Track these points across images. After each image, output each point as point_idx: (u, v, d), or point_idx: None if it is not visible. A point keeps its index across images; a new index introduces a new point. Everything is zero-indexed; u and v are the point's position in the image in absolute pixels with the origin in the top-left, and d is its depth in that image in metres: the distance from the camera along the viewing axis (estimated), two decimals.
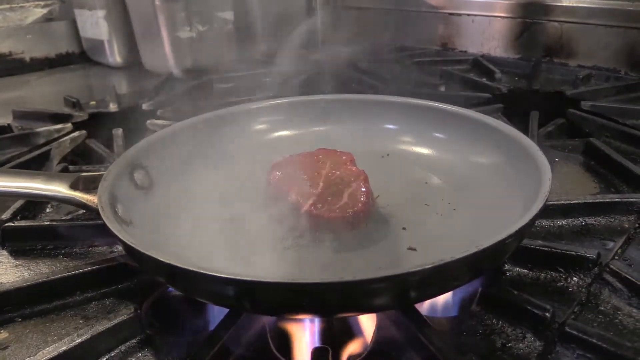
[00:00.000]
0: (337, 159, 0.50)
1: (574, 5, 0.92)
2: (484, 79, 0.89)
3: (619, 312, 0.37)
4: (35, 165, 0.65)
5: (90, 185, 0.45)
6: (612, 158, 0.57)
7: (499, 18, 1.03)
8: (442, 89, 0.86)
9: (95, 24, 1.14)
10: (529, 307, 0.35)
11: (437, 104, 0.58)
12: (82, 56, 1.25)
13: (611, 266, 0.40)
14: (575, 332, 0.33)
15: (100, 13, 1.11)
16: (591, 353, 0.32)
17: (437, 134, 0.57)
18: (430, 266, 0.29)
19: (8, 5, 1.17)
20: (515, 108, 0.75)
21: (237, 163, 0.55)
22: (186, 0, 0.99)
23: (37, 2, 1.21)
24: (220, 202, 0.49)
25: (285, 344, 0.35)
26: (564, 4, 0.94)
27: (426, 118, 0.58)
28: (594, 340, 0.32)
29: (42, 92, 1.07)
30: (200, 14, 1.02)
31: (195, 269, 0.29)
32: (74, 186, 0.44)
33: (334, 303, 0.30)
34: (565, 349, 0.33)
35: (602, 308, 0.37)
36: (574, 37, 0.94)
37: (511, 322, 0.36)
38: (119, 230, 0.35)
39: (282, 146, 0.57)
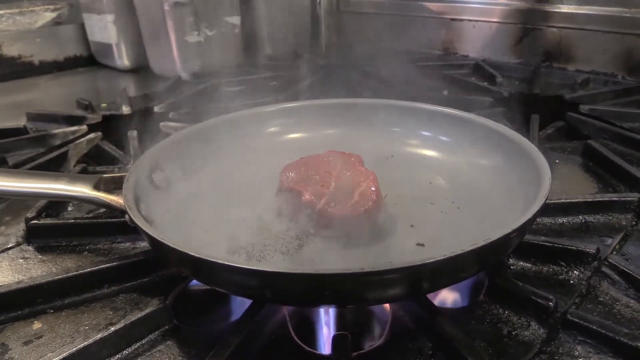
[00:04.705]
0: (346, 160, 0.52)
1: (573, 11, 0.95)
2: (486, 83, 0.92)
3: (617, 303, 0.39)
4: (53, 166, 0.67)
5: (110, 186, 0.47)
6: (610, 159, 0.60)
7: (500, 24, 1.05)
8: (445, 92, 0.88)
9: (103, 28, 1.16)
10: (533, 297, 0.37)
11: (442, 109, 0.60)
12: (90, 59, 1.27)
13: (610, 260, 0.42)
14: (576, 320, 0.36)
15: (109, 17, 1.13)
16: (592, 339, 0.35)
17: (442, 137, 0.60)
18: (442, 257, 0.31)
19: (18, 10, 1.19)
20: (516, 111, 0.78)
21: (250, 164, 0.57)
22: (194, 5, 1.02)
23: (46, 6, 1.23)
24: (235, 202, 0.51)
25: (305, 331, 0.37)
26: (563, 11, 0.96)
27: (431, 122, 0.60)
28: (595, 327, 0.35)
29: (51, 94, 1.09)
30: (208, 19, 1.05)
31: (227, 263, 0.32)
32: (96, 187, 0.46)
33: (353, 293, 0.33)
34: (567, 335, 0.36)
35: (602, 299, 0.40)
36: (572, 42, 0.97)
37: (517, 311, 0.38)
38: (148, 227, 0.38)
39: (293, 148, 0.59)
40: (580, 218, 0.50)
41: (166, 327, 0.39)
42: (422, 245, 0.44)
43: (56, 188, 0.46)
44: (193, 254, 0.33)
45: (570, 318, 0.36)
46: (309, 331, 0.38)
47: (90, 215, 0.56)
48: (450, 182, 0.54)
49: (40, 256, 0.49)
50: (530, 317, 0.38)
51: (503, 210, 0.45)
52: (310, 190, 0.47)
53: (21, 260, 0.48)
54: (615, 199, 0.51)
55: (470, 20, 1.10)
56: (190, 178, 0.53)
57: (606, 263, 0.43)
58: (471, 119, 0.57)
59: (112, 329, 0.36)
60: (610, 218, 0.50)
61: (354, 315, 0.38)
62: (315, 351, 0.36)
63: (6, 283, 0.43)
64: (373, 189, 0.47)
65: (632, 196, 0.51)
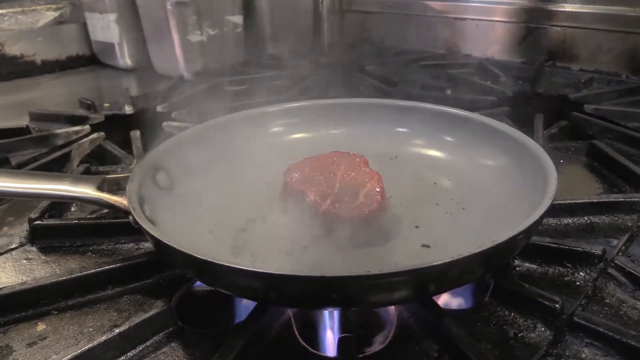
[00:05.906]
0: (351, 160, 0.51)
1: (576, 10, 0.95)
2: (489, 83, 0.91)
3: (624, 304, 0.39)
4: (56, 166, 0.67)
5: (114, 187, 0.47)
6: (615, 159, 0.60)
7: (503, 23, 1.05)
8: (448, 92, 0.88)
9: (106, 27, 1.16)
10: (539, 299, 0.37)
11: (447, 109, 0.60)
12: (92, 59, 1.27)
13: (616, 261, 0.42)
14: (583, 322, 0.35)
15: (112, 17, 1.13)
16: (599, 341, 0.35)
17: (447, 137, 0.59)
18: (449, 260, 0.31)
19: (20, 9, 1.19)
20: (520, 111, 0.77)
21: (254, 164, 0.57)
22: (197, 4, 1.02)
23: (48, 6, 1.23)
24: (239, 203, 0.51)
25: (310, 334, 0.37)
26: (567, 10, 0.96)
27: (436, 122, 0.60)
28: (602, 329, 0.35)
29: (54, 94, 1.09)
30: (210, 18, 1.05)
31: (232, 265, 0.31)
32: (100, 188, 0.46)
33: (359, 295, 0.32)
34: (574, 337, 0.36)
35: (608, 301, 0.40)
36: (576, 41, 0.96)
37: (522, 313, 0.38)
38: (152, 228, 0.37)
39: (298, 148, 0.58)
40: (585, 219, 0.50)
41: (170, 329, 0.39)
42: (428, 246, 0.43)
43: (59, 189, 0.46)
44: (197, 255, 0.33)
45: (577, 320, 0.36)
46: (314, 333, 0.37)
47: (94, 216, 0.55)
48: (455, 183, 0.54)
49: (43, 257, 0.49)
50: (536, 319, 0.37)
51: (508, 210, 0.45)
52: (314, 191, 0.46)
53: (25, 261, 0.48)
54: (620, 199, 0.51)
55: (473, 20, 1.10)
56: (194, 178, 0.53)
57: (612, 264, 0.42)
58: (475, 119, 0.57)
59: (117, 330, 0.36)
60: (616, 219, 0.50)
61: (359, 317, 0.38)
62: (320, 353, 0.36)
63: (10, 284, 0.43)
64: (378, 189, 0.46)
65: (637, 197, 0.51)
